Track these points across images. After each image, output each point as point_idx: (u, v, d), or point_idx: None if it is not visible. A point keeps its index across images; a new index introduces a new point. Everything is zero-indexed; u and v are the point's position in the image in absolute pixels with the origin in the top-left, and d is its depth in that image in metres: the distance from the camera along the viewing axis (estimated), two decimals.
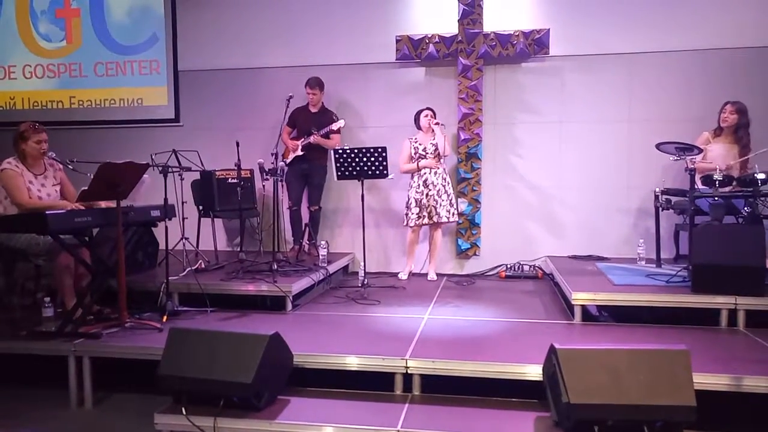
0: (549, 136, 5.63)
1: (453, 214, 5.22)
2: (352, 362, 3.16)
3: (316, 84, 5.44)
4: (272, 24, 5.99)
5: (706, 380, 2.80)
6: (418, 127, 5.32)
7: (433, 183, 5.17)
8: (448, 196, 5.20)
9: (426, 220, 5.18)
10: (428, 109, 5.29)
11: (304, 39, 5.92)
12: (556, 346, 2.66)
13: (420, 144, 5.24)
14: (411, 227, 5.26)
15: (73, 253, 3.69)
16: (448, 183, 5.25)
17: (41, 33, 6.51)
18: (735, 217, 4.40)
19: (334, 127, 5.23)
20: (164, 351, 2.95)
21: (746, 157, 4.47)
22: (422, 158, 5.20)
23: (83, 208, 3.65)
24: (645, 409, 2.48)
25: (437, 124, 5.12)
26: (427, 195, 5.16)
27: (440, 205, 5.15)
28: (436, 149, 5.16)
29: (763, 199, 4.07)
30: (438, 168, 5.19)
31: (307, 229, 5.60)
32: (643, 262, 4.93)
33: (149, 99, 6.35)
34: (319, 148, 5.47)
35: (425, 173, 5.19)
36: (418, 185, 5.19)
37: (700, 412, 2.48)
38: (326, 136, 5.40)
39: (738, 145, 4.71)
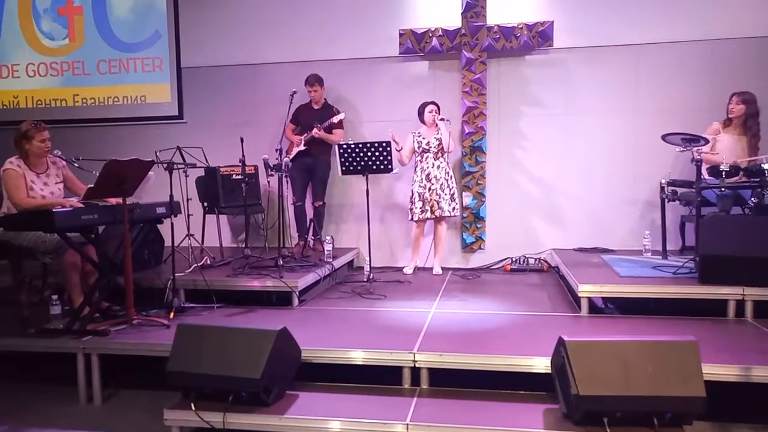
0: (554, 129, 5.60)
1: (454, 208, 5.22)
2: (360, 357, 3.16)
3: (315, 81, 5.44)
4: (275, 19, 5.97)
5: (715, 371, 2.80)
6: (422, 121, 5.30)
7: (435, 177, 5.17)
8: (450, 190, 5.20)
9: (429, 214, 5.19)
10: (432, 103, 5.26)
11: (307, 34, 5.91)
12: (565, 338, 2.65)
13: (423, 138, 5.22)
14: (415, 221, 5.26)
15: (79, 251, 3.69)
16: (451, 177, 5.25)
17: (44, 31, 6.51)
18: (741, 207, 4.39)
19: (335, 120, 5.23)
20: (173, 347, 2.95)
21: (754, 159, 4.40)
22: (425, 152, 5.20)
23: (80, 206, 3.63)
24: (654, 401, 2.48)
25: (442, 119, 5.10)
26: (429, 189, 5.17)
27: (443, 199, 5.15)
28: (440, 144, 5.15)
29: None
30: (441, 162, 5.19)
31: (312, 224, 5.60)
32: (649, 254, 4.91)
33: (153, 96, 6.35)
34: (321, 142, 5.46)
35: (427, 168, 5.19)
36: (421, 179, 5.19)
37: (709, 403, 2.47)
38: (329, 130, 5.40)
39: (747, 135, 4.68)
